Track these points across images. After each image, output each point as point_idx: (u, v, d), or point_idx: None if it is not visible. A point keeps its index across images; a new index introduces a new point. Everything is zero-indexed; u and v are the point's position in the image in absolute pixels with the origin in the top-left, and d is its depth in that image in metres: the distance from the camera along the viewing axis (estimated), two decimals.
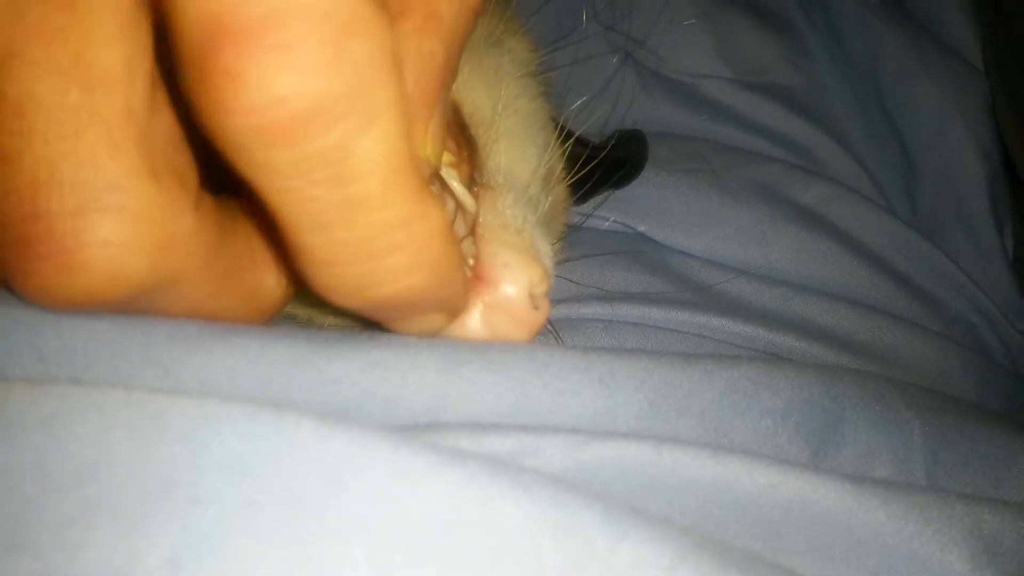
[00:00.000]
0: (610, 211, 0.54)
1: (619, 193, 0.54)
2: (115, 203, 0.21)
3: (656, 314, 0.45)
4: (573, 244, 0.53)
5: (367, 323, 0.37)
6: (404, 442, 0.20)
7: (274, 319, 0.30)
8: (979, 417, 0.40)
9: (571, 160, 0.46)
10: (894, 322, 0.50)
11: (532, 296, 0.33)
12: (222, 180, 0.25)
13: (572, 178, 0.45)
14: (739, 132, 0.61)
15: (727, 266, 0.51)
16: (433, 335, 0.30)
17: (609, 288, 0.48)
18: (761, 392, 0.32)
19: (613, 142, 0.51)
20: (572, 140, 0.46)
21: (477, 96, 0.38)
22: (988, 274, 0.57)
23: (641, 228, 0.53)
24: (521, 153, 0.39)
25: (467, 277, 0.30)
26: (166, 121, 0.23)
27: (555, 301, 0.46)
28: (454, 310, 0.29)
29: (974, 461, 0.35)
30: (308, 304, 0.37)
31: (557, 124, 0.46)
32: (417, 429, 0.24)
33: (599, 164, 0.47)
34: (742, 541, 0.25)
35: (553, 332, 0.41)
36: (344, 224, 0.21)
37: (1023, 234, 0.60)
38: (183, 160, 0.23)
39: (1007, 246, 0.59)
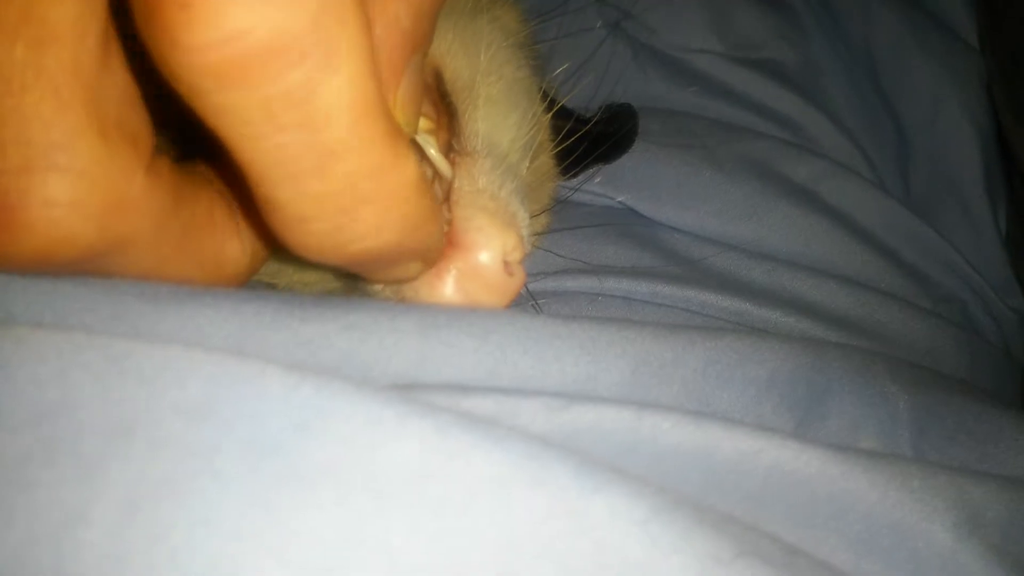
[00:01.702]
0: (600, 185, 0.53)
1: (610, 167, 0.53)
2: (60, 162, 0.20)
3: (643, 288, 0.45)
4: (562, 217, 0.53)
5: (346, 282, 0.36)
6: (374, 393, 0.20)
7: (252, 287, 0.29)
8: (966, 392, 0.40)
9: (557, 131, 0.45)
10: (885, 299, 0.50)
11: (507, 262, 0.32)
12: (194, 147, 0.24)
13: (557, 149, 0.45)
14: (732, 108, 0.61)
15: (717, 241, 0.51)
16: (410, 282, 0.30)
17: (597, 262, 0.48)
18: (745, 362, 0.32)
19: (601, 115, 0.51)
20: (556, 110, 0.45)
21: (459, 62, 0.38)
22: (981, 252, 0.57)
23: (631, 202, 0.53)
24: (502, 120, 0.38)
25: (443, 227, 0.30)
26: (119, 80, 0.22)
27: (541, 273, 0.46)
28: (430, 259, 0.29)
29: (960, 435, 0.35)
30: (288, 274, 0.36)
31: (544, 95, 0.45)
32: (394, 389, 0.24)
33: (586, 137, 0.47)
34: (722, 507, 0.24)
35: (532, 301, 0.41)
36: (314, 174, 0.21)
37: (1016, 212, 0.59)
38: (136, 120, 0.23)
39: (1000, 224, 0.58)
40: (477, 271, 0.32)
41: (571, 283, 0.46)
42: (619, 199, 0.53)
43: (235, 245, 0.27)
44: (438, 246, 0.28)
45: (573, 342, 0.28)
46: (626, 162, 0.53)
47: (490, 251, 0.32)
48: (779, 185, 0.53)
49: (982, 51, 0.61)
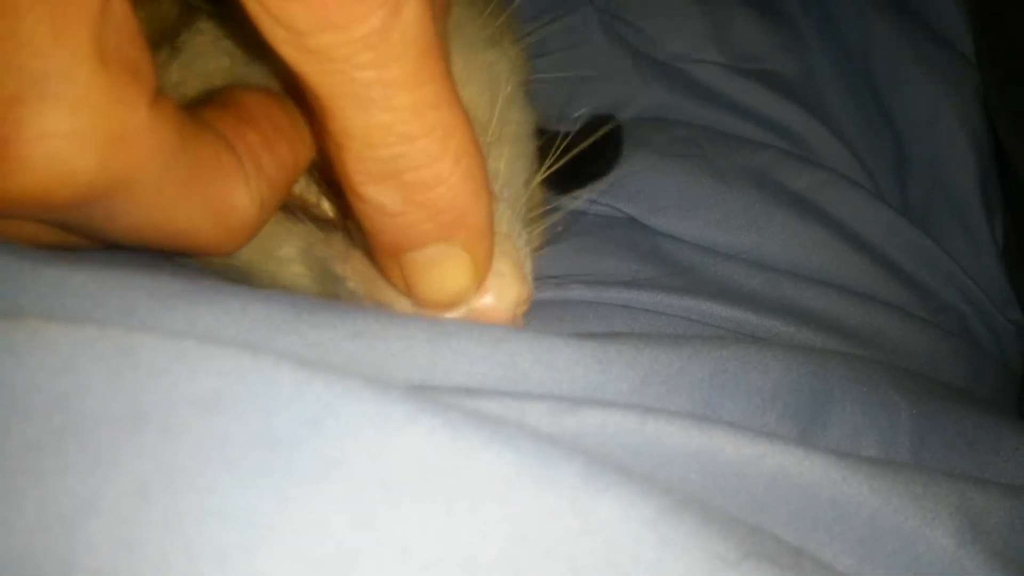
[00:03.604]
0: (602, 195, 0.53)
1: (610, 177, 0.53)
2: (58, 90, 0.20)
3: (645, 297, 0.45)
4: (563, 227, 0.53)
5: (316, 274, 0.35)
6: (385, 390, 0.20)
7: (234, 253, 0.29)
8: (966, 402, 0.40)
9: (542, 151, 0.45)
10: (883, 309, 0.50)
11: (515, 314, 0.32)
12: None
13: (545, 172, 0.44)
14: (732, 118, 0.61)
15: (718, 251, 0.51)
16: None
17: (598, 272, 0.48)
18: (750, 372, 0.32)
19: (582, 126, 0.50)
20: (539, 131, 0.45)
21: (472, 94, 0.38)
22: (978, 263, 0.57)
23: (632, 212, 0.53)
24: (516, 162, 0.39)
25: (492, 217, 0.29)
26: (119, 10, 0.22)
27: (540, 281, 0.46)
28: (480, 265, 0.29)
29: (960, 444, 0.35)
30: (250, 252, 0.35)
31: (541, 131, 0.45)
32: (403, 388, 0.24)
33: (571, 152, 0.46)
34: (726, 510, 0.25)
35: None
36: (383, 105, 0.23)
37: (1013, 223, 0.60)
38: (138, 53, 0.22)
39: (997, 236, 0.59)
40: (487, 315, 0.31)
41: (572, 292, 0.46)
42: (621, 209, 0.53)
43: (242, 192, 0.27)
44: (486, 240, 0.28)
45: (583, 352, 0.28)
46: (628, 172, 0.54)
47: (505, 300, 0.31)
48: (779, 195, 0.54)
49: (978, 63, 0.62)
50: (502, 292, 0.31)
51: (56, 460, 0.18)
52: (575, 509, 0.19)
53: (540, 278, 0.46)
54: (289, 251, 0.36)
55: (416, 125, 0.24)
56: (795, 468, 0.27)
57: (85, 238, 0.28)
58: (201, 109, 0.28)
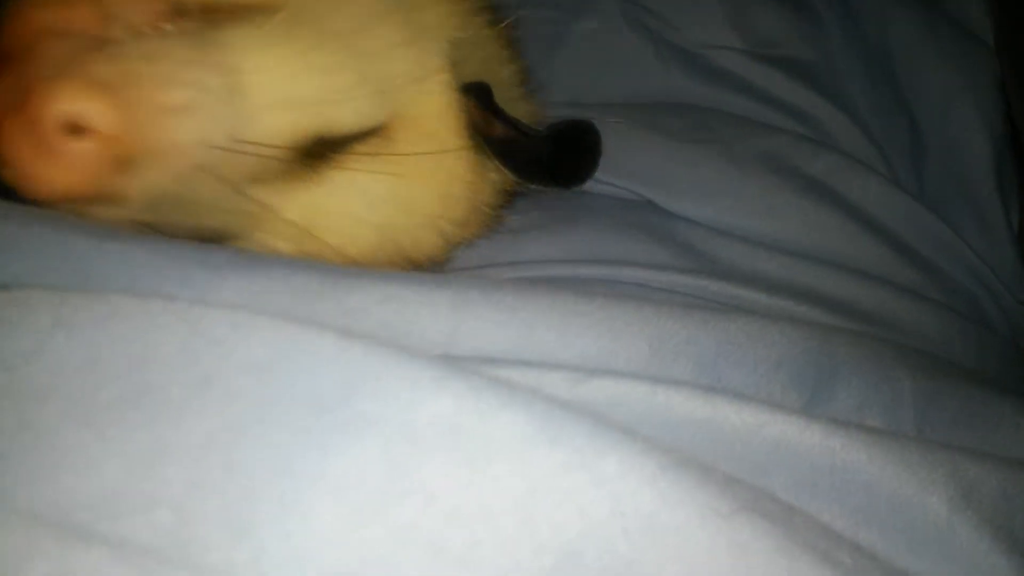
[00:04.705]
0: (620, 178, 0.55)
1: (630, 161, 0.55)
2: None
3: (659, 277, 0.47)
4: (581, 208, 0.55)
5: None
6: (414, 357, 0.22)
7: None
8: (971, 379, 0.41)
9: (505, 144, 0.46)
10: (897, 291, 0.51)
11: (77, 124, 0.28)
12: None
13: (497, 159, 0.45)
14: (751, 103, 0.62)
15: (734, 234, 0.52)
16: None
17: (616, 254, 0.49)
18: (756, 344, 0.33)
19: (551, 132, 0.49)
20: (501, 117, 0.45)
21: None
22: (992, 247, 0.58)
23: (650, 196, 0.54)
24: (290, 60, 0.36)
25: None
26: None
27: (553, 260, 0.48)
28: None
29: (962, 419, 0.36)
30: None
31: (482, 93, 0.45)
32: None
33: (536, 154, 0.47)
34: (728, 473, 0.26)
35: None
36: None
37: None
38: None
39: (1012, 221, 0.59)
40: (29, 128, 0.27)
41: (586, 271, 0.47)
42: (639, 192, 0.54)
43: None
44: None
45: (594, 319, 0.30)
46: (646, 157, 0.55)
47: (51, 103, 0.27)
48: (795, 180, 0.54)
49: (997, 52, 0.62)
50: (48, 94, 0.28)
51: (137, 413, 0.21)
52: (583, 464, 0.21)
53: (560, 259, 0.48)
54: None
55: None
56: (796, 436, 0.29)
57: None
58: None
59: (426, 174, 0.43)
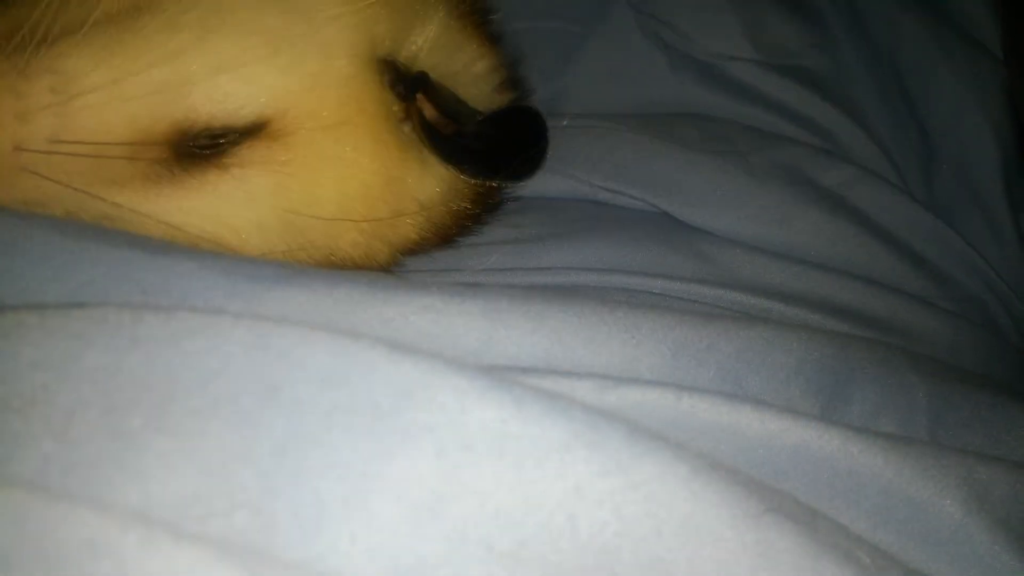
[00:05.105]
0: (636, 189, 0.56)
1: (646, 172, 0.56)
2: None
3: (679, 287, 0.48)
4: (598, 219, 0.56)
5: None
6: (460, 367, 0.24)
7: None
8: (983, 385, 0.42)
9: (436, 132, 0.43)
10: (909, 300, 0.52)
11: None
12: None
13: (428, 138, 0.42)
14: (766, 114, 0.63)
15: (749, 245, 0.53)
16: None
17: (634, 265, 0.50)
18: (775, 350, 0.35)
19: (494, 119, 0.46)
20: (438, 99, 0.42)
21: None
22: (1002, 255, 0.59)
23: (666, 207, 0.55)
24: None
25: None
26: None
27: (573, 268, 0.49)
28: None
29: (975, 423, 0.37)
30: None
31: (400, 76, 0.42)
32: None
33: (481, 140, 0.44)
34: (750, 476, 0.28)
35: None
36: None
37: None
38: None
39: (1021, 227, 0.60)
40: None
41: (607, 279, 0.48)
42: (655, 204, 0.55)
43: None
44: None
45: (618, 328, 0.32)
46: (662, 167, 0.56)
47: None
48: (809, 191, 0.55)
49: (1006, 60, 0.63)
50: None
51: (213, 422, 0.22)
52: (620, 468, 0.23)
53: (581, 267, 0.49)
54: None
55: None
56: (815, 441, 0.30)
57: None
58: None
59: (323, 166, 0.40)
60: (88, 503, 0.20)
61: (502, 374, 0.26)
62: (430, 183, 0.45)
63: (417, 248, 0.48)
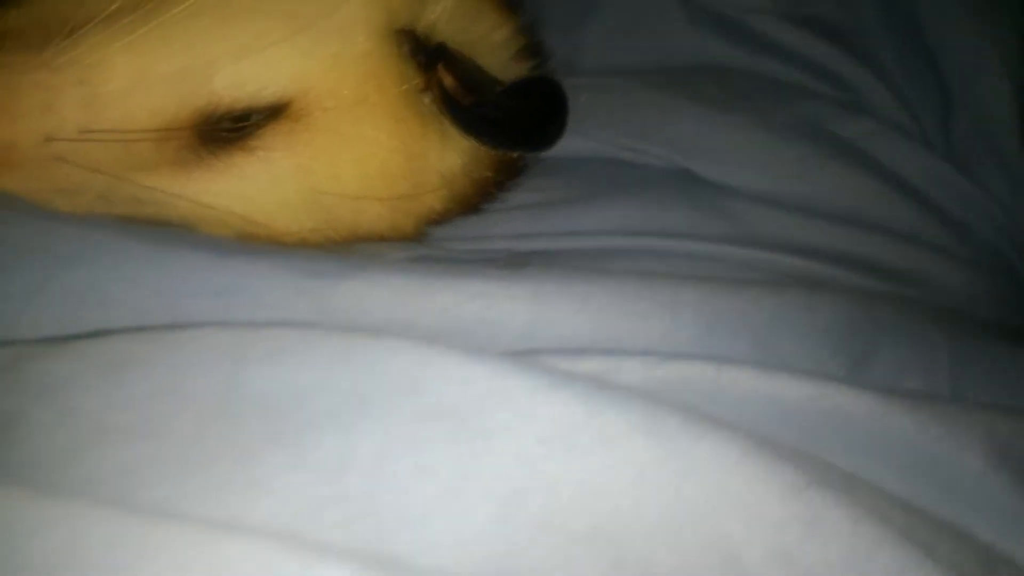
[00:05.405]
0: (659, 147, 0.56)
1: (669, 131, 0.56)
2: None
3: (705, 247, 0.49)
4: (621, 178, 0.57)
5: None
6: (527, 367, 0.26)
7: None
8: (1002, 336, 0.44)
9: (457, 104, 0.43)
10: (928, 250, 0.53)
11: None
12: None
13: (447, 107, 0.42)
14: (784, 66, 0.63)
15: (772, 202, 0.54)
16: None
17: (657, 224, 0.51)
18: (804, 315, 0.36)
19: (512, 89, 0.45)
20: (457, 69, 0.43)
21: None
22: (1019, 202, 0.60)
23: (688, 164, 0.56)
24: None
25: None
26: None
27: (603, 232, 0.50)
28: None
29: (995, 375, 0.39)
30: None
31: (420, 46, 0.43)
32: (524, 354, 0.29)
33: (498, 109, 0.44)
34: (791, 444, 0.30)
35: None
36: None
37: None
38: None
39: None
40: None
41: (638, 242, 0.50)
42: (677, 162, 0.56)
43: None
44: None
45: (656, 302, 0.34)
46: (684, 125, 0.57)
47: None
48: (830, 145, 0.56)
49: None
50: None
51: (317, 435, 0.24)
52: (678, 453, 0.25)
53: (612, 231, 0.50)
54: None
55: None
56: (847, 406, 0.32)
57: None
58: None
59: (345, 146, 0.41)
60: (228, 523, 0.21)
61: (551, 359, 0.28)
62: (451, 155, 0.46)
63: (441, 218, 0.49)
